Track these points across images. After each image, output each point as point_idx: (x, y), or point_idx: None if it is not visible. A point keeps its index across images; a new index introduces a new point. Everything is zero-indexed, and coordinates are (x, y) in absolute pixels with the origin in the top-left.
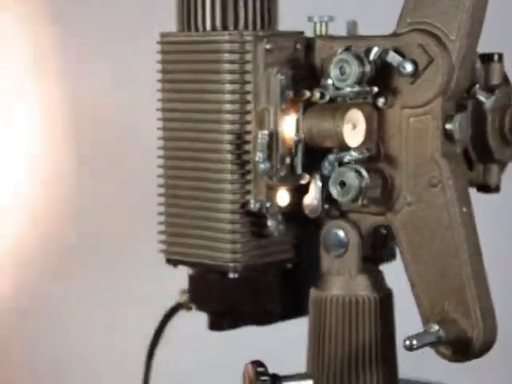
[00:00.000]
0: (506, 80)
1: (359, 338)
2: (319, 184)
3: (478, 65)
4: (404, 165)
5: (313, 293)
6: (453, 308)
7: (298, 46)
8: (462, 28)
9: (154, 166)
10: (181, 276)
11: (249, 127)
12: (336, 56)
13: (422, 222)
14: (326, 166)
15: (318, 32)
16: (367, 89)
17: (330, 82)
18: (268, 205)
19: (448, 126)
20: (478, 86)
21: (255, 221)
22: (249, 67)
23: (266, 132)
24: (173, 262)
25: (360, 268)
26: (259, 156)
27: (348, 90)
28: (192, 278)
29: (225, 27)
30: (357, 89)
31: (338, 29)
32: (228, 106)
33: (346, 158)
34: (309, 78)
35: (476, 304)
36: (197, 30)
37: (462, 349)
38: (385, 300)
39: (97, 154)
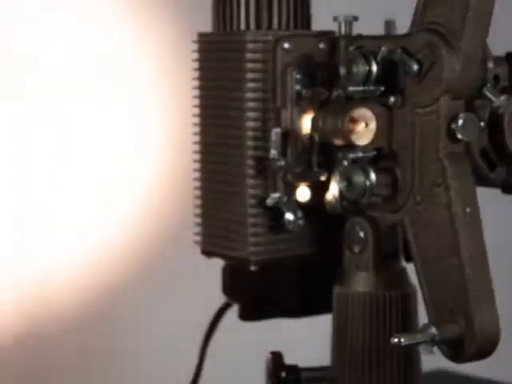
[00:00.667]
0: None
1: (381, 335)
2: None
3: (491, 65)
4: (412, 164)
5: (336, 289)
6: (454, 309)
7: (322, 45)
8: (467, 27)
9: None
10: None
11: (269, 124)
12: (345, 55)
13: (428, 222)
14: (342, 164)
15: (342, 32)
16: (371, 88)
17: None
18: (285, 200)
19: (452, 126)
20: (489, 85)
21: (273, 215)
22: (269, 66)
23: (278, 130)
24: (207, 253)
25: (379, 265)
26: (273, 153)
27: (358, 88)
28: (223, 270)
29: (258, 27)
30: (361, 88)
31: (371, 28)
32: (250, 104)
33: (352, 157)
34: (331, 78)
35: (475, 306)
36: (231, 29)
37: (458, 350)
38: (407, 297)
39: None
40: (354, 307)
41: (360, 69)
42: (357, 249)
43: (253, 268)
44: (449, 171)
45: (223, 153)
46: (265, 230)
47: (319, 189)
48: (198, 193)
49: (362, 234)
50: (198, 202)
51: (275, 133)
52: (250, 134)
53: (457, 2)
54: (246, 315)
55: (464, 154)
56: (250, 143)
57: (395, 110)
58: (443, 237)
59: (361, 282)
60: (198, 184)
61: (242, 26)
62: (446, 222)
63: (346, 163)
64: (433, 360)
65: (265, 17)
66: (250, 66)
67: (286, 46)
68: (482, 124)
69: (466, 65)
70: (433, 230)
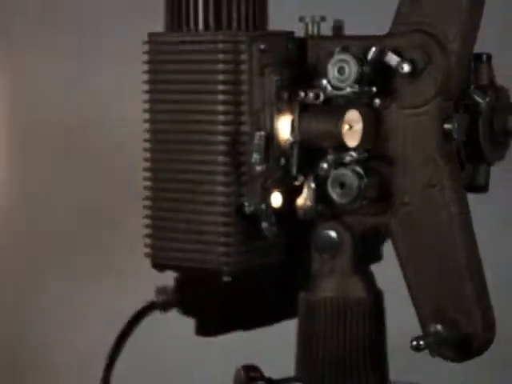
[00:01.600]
0: (494, 81)
1: (351, 341)
2: (313, 185)
3: (472, 65)
4: (401, 165)
5: (303, 295)
6: (452, 308)
7: (290, 46)
8: (460, 29)
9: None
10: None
11: (243, 128)
12: (334, 56)
13: (420, 223)
14: (322, 168)
15: (309, 32)
16: (366, 89)
17: (324, 82)
18: (263, 207)
19: (447, 126)
20: (473, 86)
21: (249, 223)
22: (244, 67)
23: (262, 133)
24: (160, 266)
25: (353, 269)
26: (255, 157)
27: (348, 90)
28: (179, 282)
29: (218, 27)
30: (357, 89)
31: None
32: (222, 107)
33: (347, 159)
34: (301, 79)
35: (475, 303)
36: (188, 30)
37: (463, 348)
38: (377, 301)
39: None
40: (328, 312)
41: (352, 70)
42: (330, 254)
43: (225, 279)
44: (445, 172)
45: (186, 160)
46: (238, 239)
47: (289, 193)
48: (147, 203)
49: (336, 239)
50: (148, 212)
51: (259, 136)
52: (222, 138)
53: (449, 4)
54: (205, 330)
55: (454, 155)
56: (223, 148)
57: (382, 111)
58: (440, 237)
59: (335, 287)
60: (148, 194)
61: (201, 27)
62: (443, 223)
63: (326, 166)
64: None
65: (225, 17)
66: (221, 67)
67: (262, 46)
68: None
69: (458, 66)
70: (425, 231)
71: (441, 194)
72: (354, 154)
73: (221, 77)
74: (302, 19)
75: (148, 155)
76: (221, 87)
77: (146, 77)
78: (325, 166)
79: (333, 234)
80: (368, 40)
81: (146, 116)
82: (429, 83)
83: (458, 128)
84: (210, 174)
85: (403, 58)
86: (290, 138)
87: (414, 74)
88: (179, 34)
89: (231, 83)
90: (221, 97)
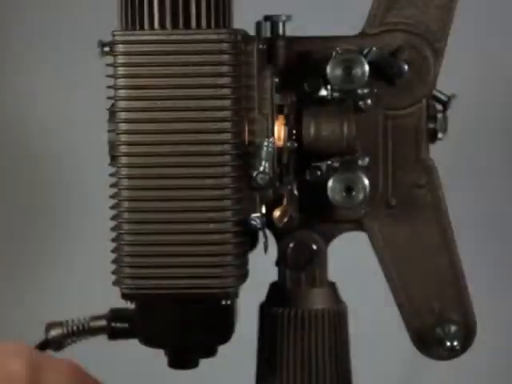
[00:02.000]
0: None
1: (318, 353)
2: (296, 193)
3: None
4: (385, 167)
5: (269, 308)
6: (444, 305)
7: (261, 46)
8: (446, 28)
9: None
10: None
11: (243, 136)
12: (336, 56)
13: (406, 224)
14: (313, 174)
15: (276, 32)
16: (368, 90)
17: (309, 86)
18: (263, 220)
19: (432, 126)
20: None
21: (245, 240)
22: (243, 70)
23: (272, 140)
24: (131, 296)
25: (325, 280)
26: (265, 166)
27: (359, 91)
28: (145, 310)
29: (198, 25)
30: (366, 90)
31: None
32: (218, 114)
33: (353, 163)
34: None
35: (468, 296)
36: (163, 28)
37: (463, 340)
38: (343, 312)
39: None
40: (289, 325)
41: (358, 71)
42: (305, 264)
43: (223, 302)
44: (435, 171)
45: (170, 175)
46: (236, 258)
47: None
48: (115, 223)
49: (312, 248)
50: (118, 235)
51: (270, 144)
52: (227, 148)
53: (432, 3)
54: (181, 362)
55: None
56: (226, 159)
57: (364, 113)
58: (426, 236)
59: (315, 299)
60: (117, 213)
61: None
62: (431, 222)
63: (320, 172)
64: None
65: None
66: (217, 69)
67: (261, 46)
68: None
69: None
70: (412, 232)
71: (430, 194)
72: (358, 157)
73: (216, 80)
74: (267, 19)
75: (117, 171)
76: (218, 92)
77: (116, 82)
78: (316, 172)
79: (309, 243)
80: (352, 40)
81: (114, 126)
82: (421, 83)
83: (442, 127)
84: (203, 188)
85: (397, 59)
86: (289, 144)
87: (408, 74)
88: (157, 33)
89: (228, 87)
90: (217, 102)
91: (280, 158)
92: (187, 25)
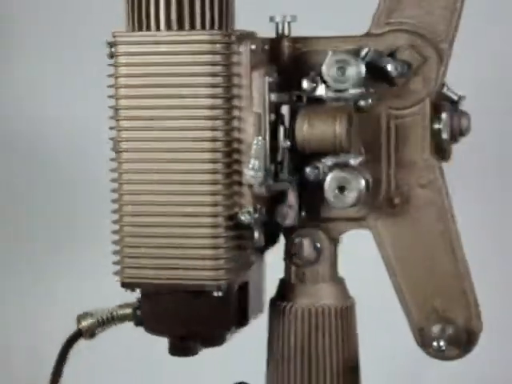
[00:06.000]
0: None
1: (325, 349)
2: (297, 191)
3: None
4: (388, 166)
5: (277, 303)
6: (447, 304)
7: (266, 47)
8: (451, 28)
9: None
10: None
11: (235, 134)
12: (331, 57)
13: (409, 223)
14: (312, 172)
15: (281, 32)
16: (366, 90)
17: (306, 85)
18: (256, 216)
19: (436, 126)
20: (446, 87)
21: (242, 234)
22: (235, 70)
23: (260, 138)
24: (131, 285)
25: (332, 276)
26: (254, 164)
27: (352, 91)
28: (148, 299)
29: (192, 27)
30: (359, 90)
31: None
32: (211, 112)
33: (347, 162)
34: (288, 81)
35: (473, 295)
36: (158, 28)
37: (465, 342)
38: (351, 309)
39: None
40: (297, 321)
41: (352, 71)
42: (308, 261)
43: (215, 294)
44: (438, 170)
45: (166, 170)
46: (228, 252)
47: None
48: (117, 217)
49: (316, 246)
50: (118, 227)
51: (260, 142)
52: (215, 145)
53: (436, 4)
54: (181, 349)
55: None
56: (217, 156)
57: (367, 113)
58: (429, 235)
59: (321, 294)
60: (118, 207)
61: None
62: (434, 221)
63: (316, 170)
64: None
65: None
66: (210, 69)
67: (253, 47)
68: None
69: (446, 65)
70: (415, 231)
71: (433, 193)
72: (351, 156)
73: (209, 80)
74: (272, 19)
75: (117, 165)
76: (210, 91)
77: (115, 81)
78: (315, 170)
79: (313, 241)
80: (355, 40)
81: (114, 123)
82: (423, 83)
83: (447, 127)
84: (198, 183)
85: (397, 59)
86: (283, 143)
87: (408, 74)
88: (154, 34)
89: (221, 86)
90: (210, 101)
91: (275, 155)
92: (181, 26)
